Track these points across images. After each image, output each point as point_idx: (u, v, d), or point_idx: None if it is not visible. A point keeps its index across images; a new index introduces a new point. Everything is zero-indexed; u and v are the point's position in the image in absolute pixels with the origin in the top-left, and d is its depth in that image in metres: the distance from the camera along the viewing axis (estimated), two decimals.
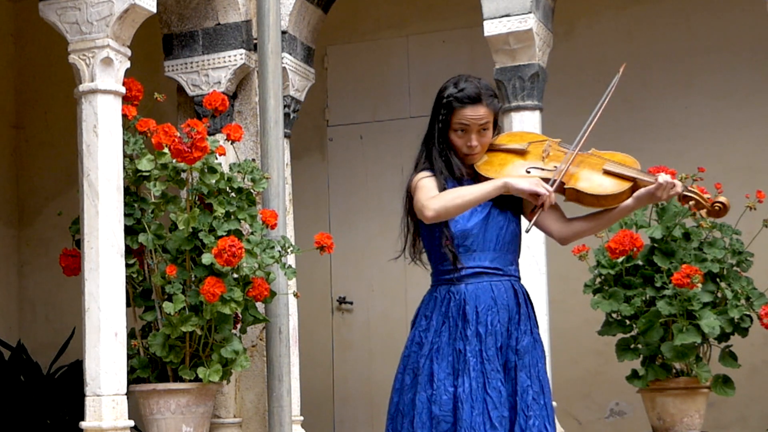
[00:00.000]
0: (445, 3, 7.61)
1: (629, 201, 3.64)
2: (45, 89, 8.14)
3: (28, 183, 8.23)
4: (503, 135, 3.81)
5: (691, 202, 3.64)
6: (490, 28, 5.87)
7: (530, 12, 5.80)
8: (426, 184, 3.64)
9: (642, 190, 3.61)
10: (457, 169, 3.67)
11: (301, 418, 6.14)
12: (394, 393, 3.70)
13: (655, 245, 5.62)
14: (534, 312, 3.74)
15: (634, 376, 5.64)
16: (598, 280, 5.72)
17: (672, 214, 5.63)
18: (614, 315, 5.68)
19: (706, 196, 3.65)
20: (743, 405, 6.70)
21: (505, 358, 3.60)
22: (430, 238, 3.70)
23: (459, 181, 3.68)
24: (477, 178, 3.68)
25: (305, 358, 6.65)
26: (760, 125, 7.01)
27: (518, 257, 3.75)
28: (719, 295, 5.59)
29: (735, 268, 5.68)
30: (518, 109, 5.91)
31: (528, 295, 3.74)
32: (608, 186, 3.62)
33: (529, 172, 3.65)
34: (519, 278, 3.73)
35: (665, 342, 5.50)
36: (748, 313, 5.60)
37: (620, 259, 5.58)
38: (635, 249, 5.47)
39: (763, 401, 6.72)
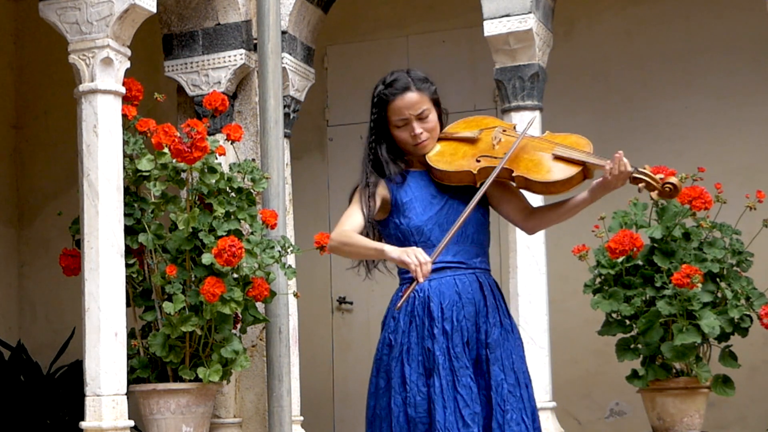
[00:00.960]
0: (445, 3, 7.61)
1: (586, 193, 3.54)
2: (45, 89, 8.14)
3: (28, 183, 8.23)
4: (459, 122, 3.73)
5: (641, 184, 3.50)
6: (490, 28, 5.87)
7: (530, 12, 5.80)
8: (352, 206, 3.64)
9: (594, 183, 3.51)
10: (395, 167, 3.62)
11: (301, 418, 6.14)
12: (369, 397, 3.67)
13: (655, 245, 5.62)
14: (504, 303, 3.65)
15: (634, 376, 5.64)
16: (598, 280, 5.72)
17: (672, 214, 5.63)
18: (614, 315, 5.68)
19: (658, 176, 3.49)
20: (743, 405, 6.70)
21: (475, 353, 3.54)
22: (388, 237, 3.64)
23: (403, 177, 3.62)
24: (429, 169, 3.62)
25: (305, 358, 6.65)
26: (760, 125, 7.01)
27: (486, 249, 3.66)
28: (719, 295, 5.59)
29: (735, 268, 5.67)
30: (518, 109, 5.91)
31: (496, 285, 3.65)
32: (556, 171, 3.51)
33: (479, 161, 3.56)
34: (486, 270, 3.64)
35: (665, 342, 5.49)
36: (748, 313, 5.59)
37: (620, 259, 5.58)
38: (635, 249, 5.47)
39: (763, 401, 6.72)
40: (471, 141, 3.64)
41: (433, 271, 3.46)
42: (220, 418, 6.00)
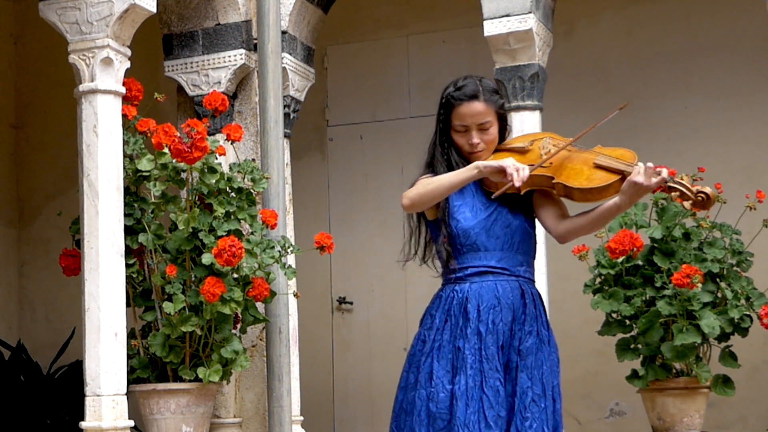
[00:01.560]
0: (445, 3, 7.61)
1: (618, 198, 3.54)
2: (45, 89, 8.14)
3: (28, 183, 8.23)
4: (516, 137, 3.81)
5: (674, 193, 3.52)
6: (490, 28, 5.87)
7: (530, 12, 5.80)
8: (417, 183, 3.65)
9: (624, 183, 3.50)
10: (464, 164, 3.65)
11: (301, 418, 6.14)
12: (399, 391, 3.70)
13: (655, 245, 5.62)
14: (544, 314, 3.71)
15: (634, 376, 5.64)
16: (598, 280, 5.72)
17: (672, 214, 5.63)
18: (614, 315, 5.68)
19: (695, 188, 3.51)
20: (743, 405, 6.70)
21: (507, 358, 3.59)
22: (436, 238, 3.70)
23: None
24: (480, 182, 3.68)
25: (305, 358, 6.65)
26: (760, 125, 7.01)
27: (531, 259, 3.72)
28: (719, 295, 5.59)
29: (735, 268, 5.68)
30: (518, 109, 5.90)
31: (539, 296, 3.71)
32: (594, 179, 3.56)
33: None
34: (530, 280, 3.70)
35: (665, 342, 5.50)
36: (748, 313, 5.60)
37: (620, 259, 5.58)
38: (635, 249, 5.47)
39: (763, 401, 6.72)
40: (521, 151, 3.70)
41: (475, 274, 3.59)
42: (220, 418, 6.00)
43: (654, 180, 3.45)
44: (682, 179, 3.53)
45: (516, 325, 3.61)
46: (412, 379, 3.65)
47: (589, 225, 3.66)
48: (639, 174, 3.45)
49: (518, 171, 3.43)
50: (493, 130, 3.69)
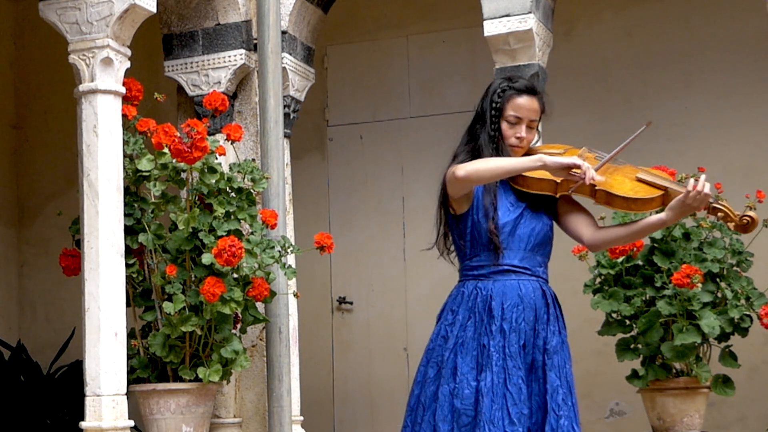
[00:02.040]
0: (445, 3, 7.61)
1: (663, 214, 3.63)
2: (45, 89, 8.14)
3: (28, 183, 8.23)
4: (542, 145, 3.86)
5: (719, 214, 3.64)
6: (490, 28, 5.87)
7: (530, 12, 5.80)
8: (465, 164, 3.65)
9: (673, 201, 3.59)
10: (506, 155, 3.68)
11: (301, 418, 6.14)
12: (415, 385, 3.71)
13: (655, 245, 5.62)
14: (562, 315, 3.76)
15: (634, 376, 5.64)
16: (598, 280, 5.72)
17: None
18: (614, 315, 5.68)
19: (737, 212, 3.63)
20: (743, 405, 6.70)
21: (531, 357, 3.62)
22: (459, 232, 3.72)
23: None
24: (512, 180, 3.71)
25: (305, 358, 6.65)
26: (760, 125, 7.01)
27: (548, 261, 3.78)
28: (719, 295, 5.59)
29: (735, 268, 5.68)
30: None
31: (556, 297, 3.76)
32: (639, 191, 3.64)
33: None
34: (547, 281, 3.76)
35: (665, 342, 5.50)
36: (748, 313, 5.60)
37: (620, 259, 5.58)
38: (635, 249, 5.47)
39: (763, 401, 6.72)
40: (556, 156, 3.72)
41: (499, 272, 3.64)
42: (220, 418, 6.00)
43: (702, 199, 3.56)
44: (724, 201, 3.62)
45: (539, 324, 3.65)
46: (432, 374, 3.67)
47: (628, 237, 3.76)
48: (689, 197, 3.54)
49: (589, 169, 3.48)
50: (535, 130, 3.76)
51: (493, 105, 3.72)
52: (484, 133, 3.72)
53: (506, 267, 3.65)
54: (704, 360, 5.60)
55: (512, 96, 3.70)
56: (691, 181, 3.57)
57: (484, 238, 3.65)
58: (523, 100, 3.70)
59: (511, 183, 3.72)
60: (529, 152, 3.75)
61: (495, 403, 3.53)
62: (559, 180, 3.64)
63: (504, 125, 3.71)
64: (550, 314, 3.69)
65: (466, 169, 3.56)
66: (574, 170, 3.49)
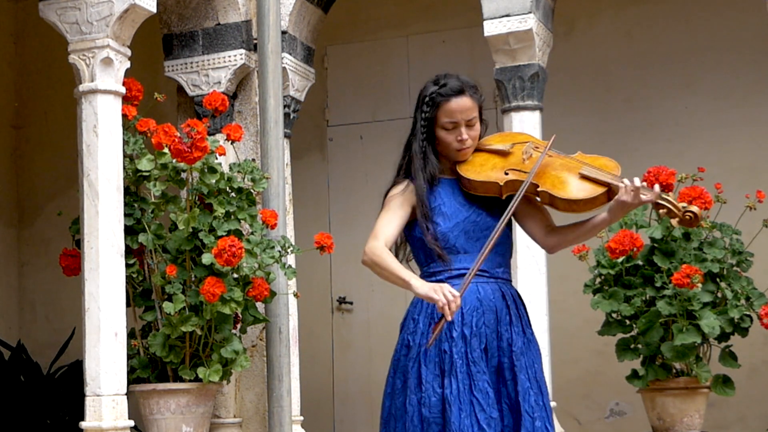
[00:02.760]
0: (445, 3, 7.61)
1: (604, 215, 3.58)
2: (45, 89, 8.14)
3: (28, 183, 8.23)
4: (495, 135, 3.78)
5: (662, 210, 3.56)
6: (490, 28, 5.87)
7: (530, 12, 5.80)
8: (389, 211, 3.66)
9: (611, 202, 3.55)
10: (432, 168, 3.64)
11: (301, 418, 6.14)
12: (385, 397, 3.67)
13: (655, 245, 5.62)
14: (526, 313, 3.70)
15: (634, 376, 5.64)
16: (598, 280, 5.72)
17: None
18: (614, 315, 5.68)
19: (681, 204, 3.55)
20: (743, 405, 6.70)
21: (497, 359, 3.58)
22: (412, 240, 3.69)
23: (431, 181, 3.64)
24: (458, 177, 3.66)
25: (305, 358, 6.65)
26: (760, 125, 7.01)
27: (509, 260, 3.71)
28: (719, 295, 5.59)
29: (735, 268, 5.67)
30: (518, 109, 5.90)
31: (518, 296, 3.70)
32: (581, 190, 3.56)
33: (507, 174, 3.60)
34: (508, 281, 3.69)
35: (665, 342, 5.50)
36: (748, 313, 5.59)
37: (620, 259, 5.58)
38: (635, 249, 5.47)
39: (763, 401, 6.72)
40: (502, 154, 3.68)
41: (456, 277, 3.55)
42: (220, 418, 6.00)
43: (643, 197, 3.50)
44: (668, 195, 3.56)
45: (501, 326, 3.60)
46: (399, 385, 3.63)
47: (579, 239, 3.71)
48: (626, 194, 3.49)
49: (449, 304, 3.38)
50: (477, 127, 3.67)
51: (424, 116, 3.66)
52: (415, 144, 3.69)
53: (463, 271, 3.56)
54: (704, 360, 5.60)
55: (441, 103, 3.62)
56: (626, 179, 3.52)
57: (436, 240, 3.61)
58: (454, 104, 3.62)
59: (459, 185, 3.66)
60: (477, 149, 3.68)
61: (462, 410, 3.49)
62: (502, 182, 3.59)
63: (442, 133, 3.65)
64: (512, 315, 3.62)
65: (364, 259, 3.67)
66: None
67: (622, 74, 7.27)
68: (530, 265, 5.82)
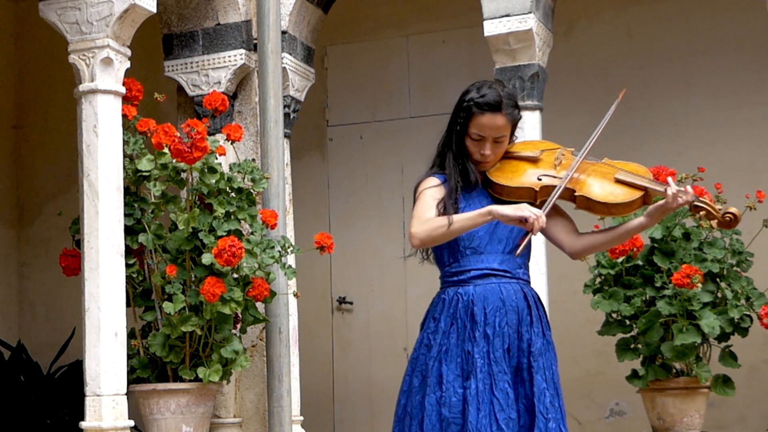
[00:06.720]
0: (445, 3, 7.61)
1: (642, 219, 3.62)
2: (45, 89, 8.14)
3: (28, 183, 8.23)
4: (518, 143, 3.79)
5: (701, 212, 3.61)
6: (490, 28, 5.87)
7: (530, 12, 5.80)
8: (426, 199, 3.62)
9: (651, 207, 3.59)
10: (472, 175, 3.65)
11: (301, 418, 6.14)
12: (401, 395, 3.67)
13: (655, 245, 5.62)
14: (546, 315, 3.72)
15: (634, 376, 5.64)
16: (598, 280, 5.72)
17: (672, 214, 5.63)
18: (614, 315, 5.68)
19: (717, 206, 3.61)
20: (743, 405, 6.70)
21: (516, 360, 3.59)
22: None
23: (470, 187, 3.65)
24: (489, 184, 3.68)
25: (305, 358, 6.65)
26: (760, 125, 7.01)
27: (528, 262, 3.74)
28: (719, 295, 5.59)
29: (735, 268, 5.68)
30: None
31: (538, 298, 3.72)
32: (619, 194, 3.60)
33: (540, 180, 3.63)
34: (528, 282, 3.72)
35: (665, 342, 5.50)
36: (748, 313, 5.60)
37: (620, 259, 5.58)
38: (635, 249, 5.47)
39: (763, 401, 6.72)
40: (533, 160, 3.70)
41: (478, 277, 3.59)
42: (220, 418, 6.00)
43: (680, 200, 3.53)
44: (704, 197, 3.60)
45: (522, 327, 3.61)
46: (417, 383, 3.63)
47: (610, 243, 3.73)
48: (671, 198, 3.52)
49: (538, 219, 3.42)
50: (505, 143, 3.68)
51: (458, 121, 3.65)
52: (450, 150, 3.68)
53: (486, 271, 3.59)
54: (704, 360, 5.60)
55: (474, 114, 3.60)
56: (672, 185, 3.54)
57: (460, 245, 3.62)
58: (486, 119, 3.60)
59: (489, 191, 3.68)
60: (506, 156, 3.68)
61: (481, 410, 3.49)
62: (537, 188, 3.61)
63: (468, 141, 3.64)
64: (533, 316, 3.64)
65: (419, 239, 3.51)
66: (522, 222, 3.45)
67: (622, 74, 7.27)
68: (530, 265, 5.81)
